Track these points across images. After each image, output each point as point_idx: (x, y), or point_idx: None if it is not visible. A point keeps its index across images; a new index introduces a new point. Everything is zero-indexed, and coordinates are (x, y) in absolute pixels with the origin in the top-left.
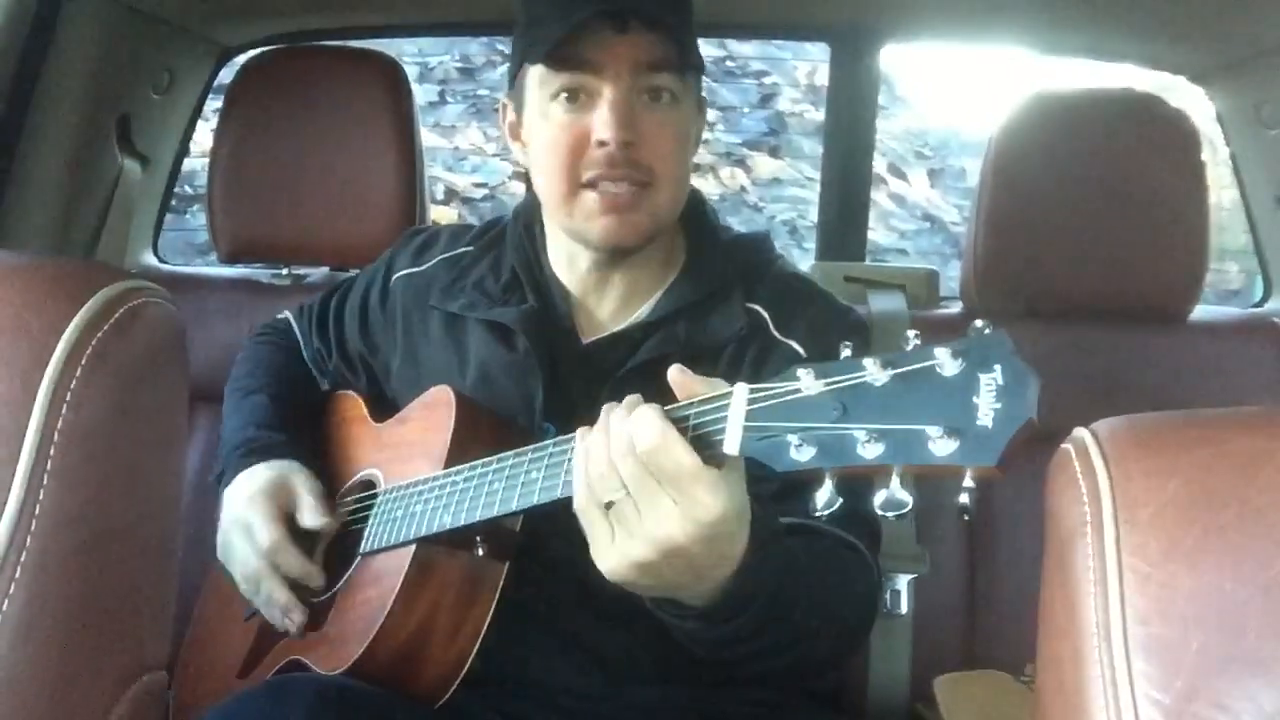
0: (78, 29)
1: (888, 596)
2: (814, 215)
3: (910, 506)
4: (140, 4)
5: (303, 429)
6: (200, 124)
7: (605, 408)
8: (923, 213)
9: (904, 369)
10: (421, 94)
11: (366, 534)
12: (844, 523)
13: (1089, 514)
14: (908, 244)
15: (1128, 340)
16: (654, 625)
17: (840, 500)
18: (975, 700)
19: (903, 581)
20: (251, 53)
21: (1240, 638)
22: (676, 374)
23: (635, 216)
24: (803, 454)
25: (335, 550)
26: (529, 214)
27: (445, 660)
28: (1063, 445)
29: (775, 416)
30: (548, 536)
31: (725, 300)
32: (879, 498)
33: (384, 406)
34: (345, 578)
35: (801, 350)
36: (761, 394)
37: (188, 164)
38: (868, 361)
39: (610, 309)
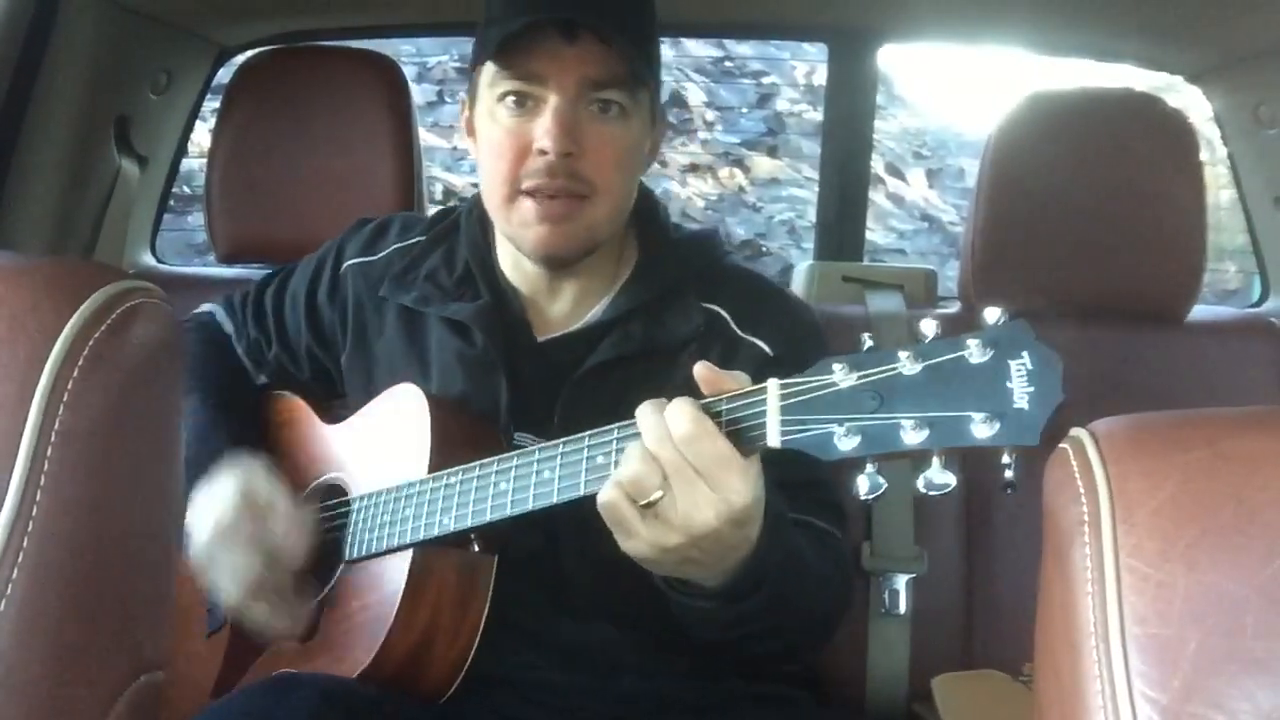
0: (75, 30)
1: (886, 596)
2: (812, 215)
3: (954, 486)
4: (138, 5)
5: (243, 432)
6: (198, 124)
7: (639, 410)
8: (921, 212)
9: (935, 360)
10: (419, 94)
11: (349, 541)
12: (820, 512)
13: (1086, 514)
14: (906, 244)
15: (1125, 340)
16: (633, 617)
17: (878, 489)
18: (973, 700)
19: (901, 581)
20: (249, 53)
21: (1238, 637)
22: (703, 369)
23: (570, 228)
24: (848, 443)
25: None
26: (481, 207)
27: (449, 658)
28: (1060, 445)
29: (812, 410)
30: (522, 533)
31: (680, 299)
32: (920, 480)
33: (329, 403)
34: (329, 586)
35: (767, 348)
36: (794, 388)
37: (186, 164)
38: (901, 354)
39: (562, 309)
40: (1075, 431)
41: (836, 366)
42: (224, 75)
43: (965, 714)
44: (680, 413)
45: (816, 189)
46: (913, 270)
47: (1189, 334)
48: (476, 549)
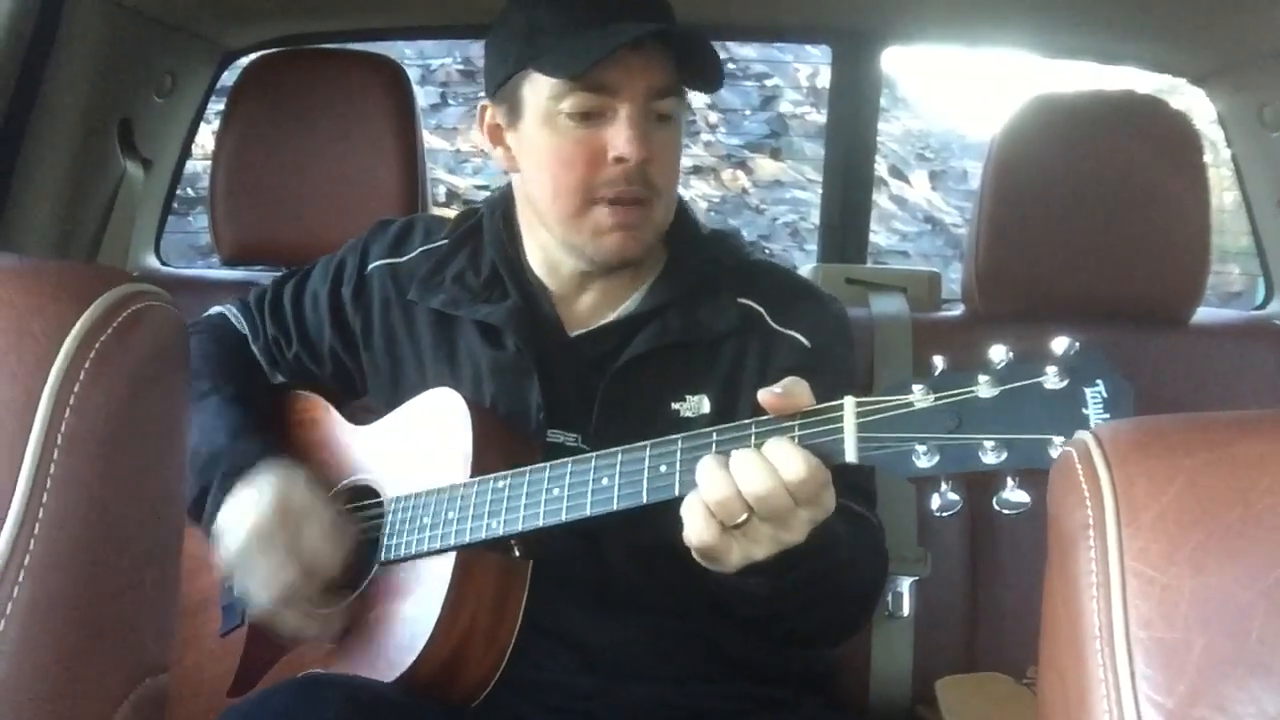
0: (80, 32)
1: (889, 599)
2: (815, 217)
3: (1029, 504)
4: (142, 7)
5: (271, 431)
6: (202, 126)
7: (740, 461)
8: (924, 215)
9: (1013, 384)
10: (423, 96)
11: (384, 543)
12: (853, 495)
13: (1091, 517)
14: (909, 246)
15: (1129, 343)
16: (668, 610)
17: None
18: (976, 703)
19: (904, 584)
20: (253, 55)
21: (1243, 641)
22: (769, 397)
23: (640, 232)
24: (927, 461)
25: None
26: (505, 207)
27: (485, 663)
28: (1065, 448)
29: (890, 428)
30: (561, 536)
31: (714, 294)
32: (995, 500)
33: (348, 404)
34: (360, 588)
35: (806, 341)
36: (870, 407)
37: (190, 166)
38: (980, 377)
39: (590, 304)
40: (1079, 435)
41: (915, 387)
42: (228, 78)
43: (968, 717)
44: (795, 457)
45: (820, 191)
46: (916, 273)
47: (1193, 336)
48: (517, 554)
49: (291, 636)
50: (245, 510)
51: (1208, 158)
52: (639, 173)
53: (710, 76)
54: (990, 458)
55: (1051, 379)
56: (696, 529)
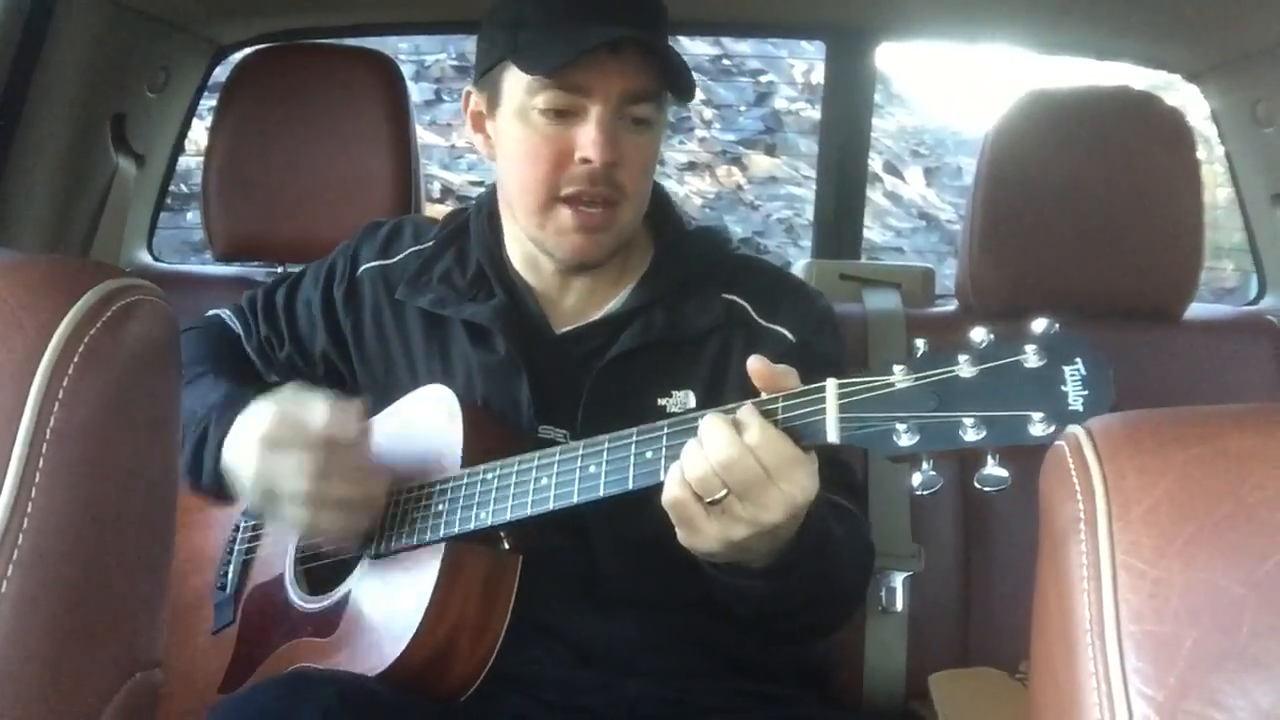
0: (72, 27)
1: (883, 594)
2: (810, 213)
3: (1009, 481)
4: (135, 2)
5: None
6: (195, 122)
7: (703, 422)
8: (918, 211)
9: (992, 363)
10: (417, 92)
11: (376, 537)
12: (842, 491)
13: (1083, 511)
14: (904, 242)
15: (1122, 338)
16: (658, 604)
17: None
18: (970, 697)
19: (898, 579)
20: (247, 51)
21: (1234, 634)
22: (758, 364)
23: (603, 236)
24: (908, 440)
25: (310, 557)
26: (492, 206)
27: (474, 657)
28: (1056, 442)
29: (871, 408)
30: (551, 528)
31: (700, 290)
32: (976, 477)
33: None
34: (352, 581)
35: (790, 335)
36: (852, 387)
37: (183, 162)
38: (960, 357)
39: (575, 302)
40: (1071, 429)
41: (896, 368)
42: (221, 73)
43: (962, 712)
44: (749, 421)
45: (814, 187)
46: (910, 268)
47: (1186, 332)
48: (506, 546)
49: (349, 522)
50: (249, 430)
51: (1201, 154)
52: (605, 175)
53: (682, 87)
54: (970, 435)
55: (1031, 358)
56: (672, 494)
